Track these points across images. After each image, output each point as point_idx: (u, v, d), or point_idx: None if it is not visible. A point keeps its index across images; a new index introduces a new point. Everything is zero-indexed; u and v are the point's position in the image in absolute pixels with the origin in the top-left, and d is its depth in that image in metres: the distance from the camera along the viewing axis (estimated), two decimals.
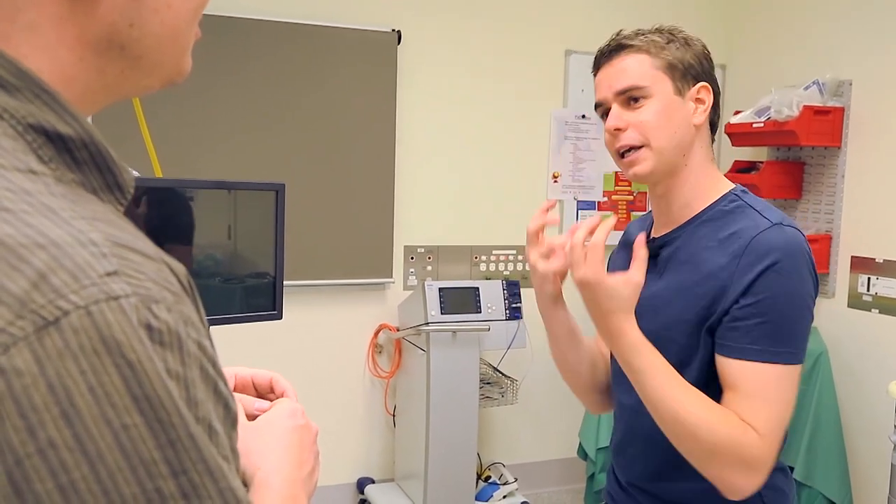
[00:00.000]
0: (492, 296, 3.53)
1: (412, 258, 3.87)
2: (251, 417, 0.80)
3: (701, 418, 1.23)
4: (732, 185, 1.41)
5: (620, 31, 1.39)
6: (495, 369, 3.76)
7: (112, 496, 0.43)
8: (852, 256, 3.60)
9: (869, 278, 3.53)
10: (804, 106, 3.49)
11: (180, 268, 0.51)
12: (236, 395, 0.82)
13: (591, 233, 1.29)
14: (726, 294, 1.28)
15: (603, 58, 1.39)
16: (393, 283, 3.82)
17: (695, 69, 1.37)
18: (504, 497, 3.70)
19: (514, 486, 3.77)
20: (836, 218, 3.67)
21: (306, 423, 0.80)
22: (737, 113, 3.83)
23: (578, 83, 4.05)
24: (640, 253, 1.28)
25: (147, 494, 0.44)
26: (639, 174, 1.37)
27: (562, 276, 1.41)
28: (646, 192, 4.12)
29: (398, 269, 3.83)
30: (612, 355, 1.48)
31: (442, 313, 3.38)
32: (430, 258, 3.89)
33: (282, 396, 0.85)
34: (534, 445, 4.18)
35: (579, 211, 4.13)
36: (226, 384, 0.52)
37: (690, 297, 1.33)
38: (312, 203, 3.56)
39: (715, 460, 1.24)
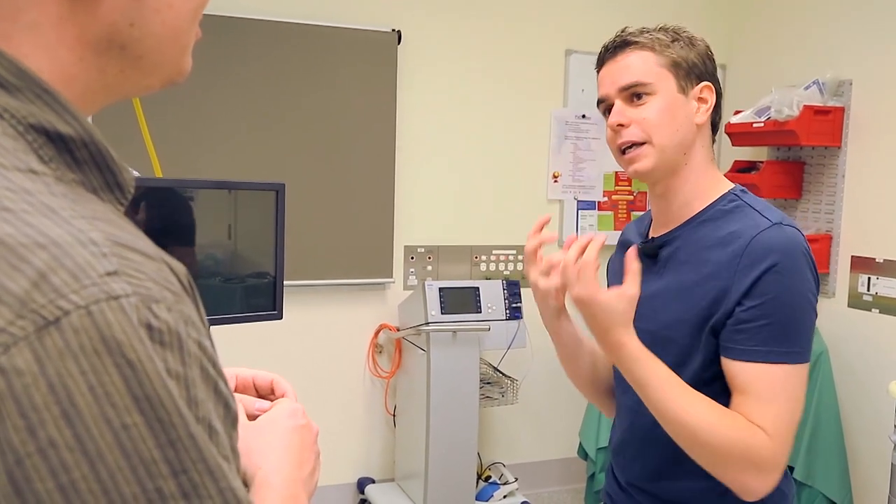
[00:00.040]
0: (492, 296, 3.53)
1: (412, 258, 3.87)
2: (252, 417, 0.80)
3: (708, 423, 1.24)
4: (732, 185, 1.41)
5: (625, 28, 1.39)
6: (495, 369, 3.77)
7: (112, 496, 0.43)
8: (852, 256, 3.60)
9: (869, 278, 3.53)
10: (804, 106, 3.49)
11: (180, 267, 0.51)
12: (237, 395, 0.82)
13: (583, 251, 1.29)
14: (728, 295, 1.28)
15: (607, 54, 1.39)
16: (393, 282, 3.82)
17: (698, 68, 1.37)
18: (504, 497, 3.70)
19: (515, 485, 3.77)
20: (836, 218, 3.67)
21: (307, 423, 0.80)
22: (737, 113, 3.83)
23: (579, 83, 4.05)
24: (633, 266, 1.28)
25: (147, 494, 0.44)
26: (639, 171, 1.36)
27: (563, 290, 1.41)
28: (646, 192, 4.12)
29: (398, 268, 3.83)
30: None
31: (442, 313, 3.38)
32: (430, 258, 3.90)
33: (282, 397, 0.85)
34: (534, 445, 4.18)
35: (579, 211, 4.13)
36: (226, 384, 0.52)
37: (690, 297, 1.33)
38: (313, 203, 3.56)
39: (726, 464, 1.25)
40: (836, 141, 3.60)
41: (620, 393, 1.48)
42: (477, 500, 3.59)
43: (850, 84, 3.59)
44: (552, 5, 4.00)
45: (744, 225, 1.31)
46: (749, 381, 1.25)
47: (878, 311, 3.50)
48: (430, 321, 3.36)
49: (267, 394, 0.86)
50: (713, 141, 1.43)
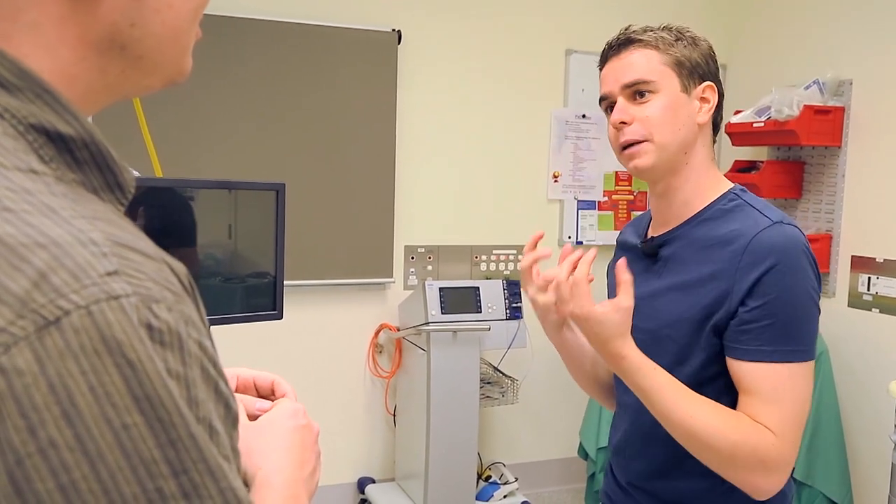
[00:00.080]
0: (492, 295, 3.53)
1: (412, 258, 3.87)
2: (253, 417, 0.80)
3: (713, 426, 1.24)
4: (732, 185, 1.42)
5: (629, 25, 1.39)
6: (496, 369, 3.77)
7: (113, 496, 0.43)
8: (852, 256, 3.60)
9: (869, 278, 3.53)
10: (804, 105, 3.49)
11: (181, 267, 0.51)
12: (238, 395, 0.82)
13: (575, 266, 1.30)
14: (730, 294, 1.28)
15: (611, 51, 1.39)
16: (393, 282, 3.82)
17: (701, 68, 1.37)
18: (504, 497, 3.70)
19: (515, 485, 3.77)
20: (836, 217, 3.67)
21: (308, 423, 0.80)
22: (737, 112, 3.83)
23: (579, 83, 4.05)
24: (625, 277, 1.29)
25: (148, 494, 0.44)
26: (639, 166, 1.36)
27: None
28: (646, 192, 4.12)
29: (398, 268, 3.83)
30: None
31: (442, 313, 3.38)
32: (430, 258, 3.90)
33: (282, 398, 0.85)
34: (534, 445, 4.18)
35: (579, 211, 4.13)
36: (226, 384, 0.52)
37: (691, 296, 1.33)
38: (313, 203, 3.57)
39: (734, 465, 1.25)
40: (836, 141, 3.60)
41: (621, 393, 1.48)
42: (477, 499, 3.59)
43: (850, 84, 3.59)
44: (552, 5, 4.00)
45: (744, 224, 1.31)
46: (754, 382, 1.26)
47: (878, 310, 3.50)
48: (430, 321, 3.36)
49: (267, 394, 0.86)
50: (714, 141, 1.43)
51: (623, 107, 1.36)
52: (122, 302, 0.44)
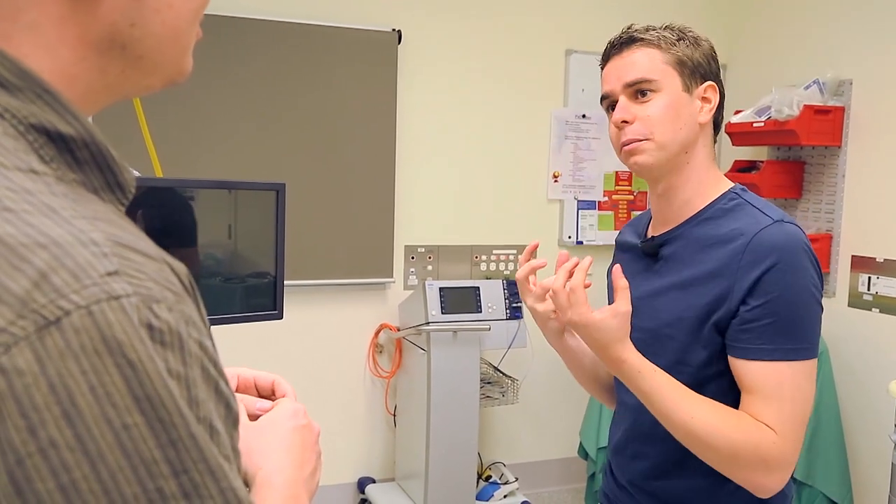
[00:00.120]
0: (492, 295, 3.53)
1: (412, 258, 3.87)
2: (253, 417, 0.80)
3: (714, 427, 1.25)
4: (732, 184, 1.42)
5: (631, 24, 1.39)
6: (496, 369, 3.77)
7: (113, 496, 0.43)
8: (853, 256, 3.60)
9: (869, 277, 3.53)
10: (804, 105, 3.49)
11: (181, 267, 0.51)
12: (238, 395, 0.82)
13: (571, 274, 1.31)
14: (731, 293, 1.28)
15: (613, 50, 1.39)
16: (393, 282, 3.82)
17: (703, 68, 1.37)
18: (505, 496, 3.70)
19: (515, 485, 3.77)
20: (836, 217, 3.67)
21: (308, 423, 0.80)
22: (737, 112, 3.83)
23: (579, 83, 4.05)
24: (621, 283, 1.30)
25: (148, 494, 0.44)
26: (639, 163, 1.36)
27: None
28: (646, 192, 4.12)
29: (399, 268, 3.83)
30: None
31: (442, 313, 3.38)
32: (430, 258, 3.90)
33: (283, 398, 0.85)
34: (534, 445, 4.18)
35: (579, 210, 4.13)
36: (227, 384, 0.52)
37: (691, 295, 1.33)
38: (313, 203, 3.57)
39: (736, 465, 1.25)
40: (836, 141, 3.60)
41: (622, 393, 1.49)
42: (477, 499, 3.60)
43: (850, 84, 3.59)
44: (552, 5, 4.00)
45: (745, 223, 1.31)
46: (756, 380, 1.26)
47: (878, 310, 3.50)
48: (430, 321, 3.36)
49: (268, 394, 0.87)
50: (714, 141, 1.44)
51: (625, 105, 1.36)
52: (122, 302, 0.44)
